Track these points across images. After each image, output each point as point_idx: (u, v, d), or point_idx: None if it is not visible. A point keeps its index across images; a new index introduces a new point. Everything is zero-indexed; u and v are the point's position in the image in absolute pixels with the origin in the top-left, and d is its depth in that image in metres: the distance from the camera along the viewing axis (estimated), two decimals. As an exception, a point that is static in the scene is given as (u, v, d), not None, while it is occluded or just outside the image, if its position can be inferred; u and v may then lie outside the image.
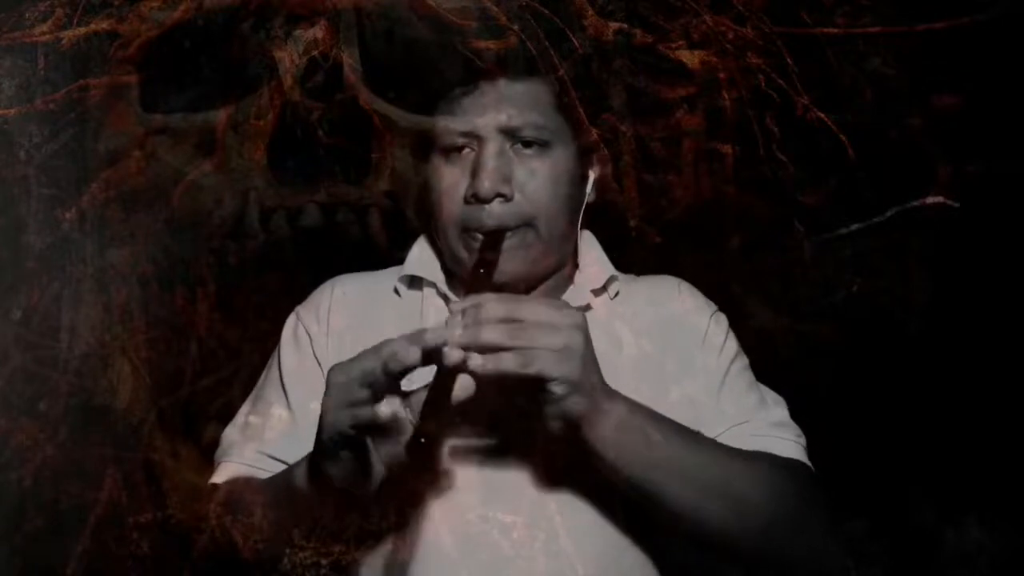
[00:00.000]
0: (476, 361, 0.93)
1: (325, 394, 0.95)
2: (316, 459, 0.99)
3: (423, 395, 0.96)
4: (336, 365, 0.95)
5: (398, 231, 1.27)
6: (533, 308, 0.96)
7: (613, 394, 1.00)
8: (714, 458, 1.04)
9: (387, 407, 0.92)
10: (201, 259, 1.26)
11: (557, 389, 0.95)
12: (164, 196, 1.22)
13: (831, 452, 1.17)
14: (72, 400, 1.17)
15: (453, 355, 0.92)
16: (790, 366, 1.29)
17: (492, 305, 0.95)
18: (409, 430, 0.95)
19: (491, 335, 0.94)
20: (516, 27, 1.15)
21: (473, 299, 0.97)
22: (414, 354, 0.91)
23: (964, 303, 1.29)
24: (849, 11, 1.23)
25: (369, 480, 0.97)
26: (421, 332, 0.93)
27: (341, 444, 0.95)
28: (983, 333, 1.30)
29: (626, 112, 1.22)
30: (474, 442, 1.09)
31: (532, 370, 0.93)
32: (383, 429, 0.94)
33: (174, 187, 1.23)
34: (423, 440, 0.91)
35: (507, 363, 0.93)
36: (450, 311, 0.98)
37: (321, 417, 0.96)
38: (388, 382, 0.92)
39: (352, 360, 0.94)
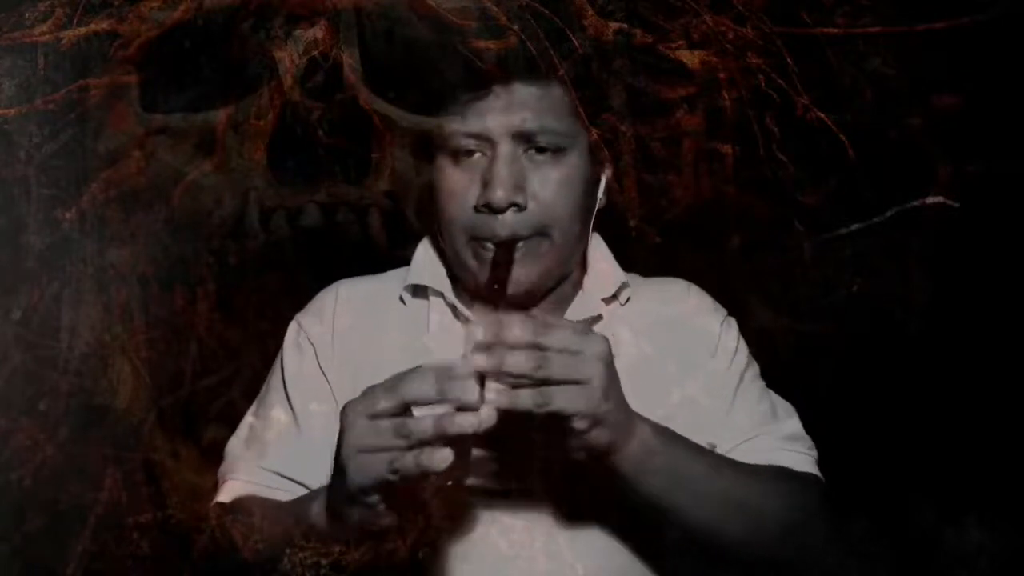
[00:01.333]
0: (490, 396, 0.89)
1: (342, 436, 0.91)
2: (335, 504, 0.95)
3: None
4: (349, 404, 0.91)
5: (398, 231, 1.27)
6: (556, 336, 0.91)
7: (635, 418, 0.98)
8: (732, 476, 1.04)
9: (444, 451, 0.87)
10: (201, 259, 1.26)
11: (579, 424, 0.92)
12: (164, 196, 1.22)
13: (831, 452, 1.17)
14: (72, 400, 1.17)
15: (474, 363, 0.89)
16: (790, 366, 1.28)
17: (516, 330, 0.91)
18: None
19: (514, 363, 0.89)
20: (516, 27, 1.14)
21: (495, 321, 0.93)
22: (430, 392, 0.88)
23: (964, 303, 1.29)
24: (849, 11, 1.23)
25: (395, 520, 0.95)
26: (442, 373, 0.89)
27: (369, 490, 0.90)
28: (983, 333, 1.30)
29: (626, 112, 1.21)
30: (475, 443, 1.09)
31: (550, 408, 0.90)
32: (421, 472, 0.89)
33: (174, 187, 1.22)
34: (450, 482, 0.90)
35: (524, 400, 0.90)
36: (470, 335, 0.94)
37: (342, 462, 0.91)
38: (435, 433, 0.88)
39: (366, 399, 0.90)
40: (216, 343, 1.28)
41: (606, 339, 0.94)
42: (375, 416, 0.89)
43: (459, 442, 0.89)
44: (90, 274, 1.19)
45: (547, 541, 1.07)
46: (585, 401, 0.91)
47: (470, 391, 0.88)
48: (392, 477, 0.88)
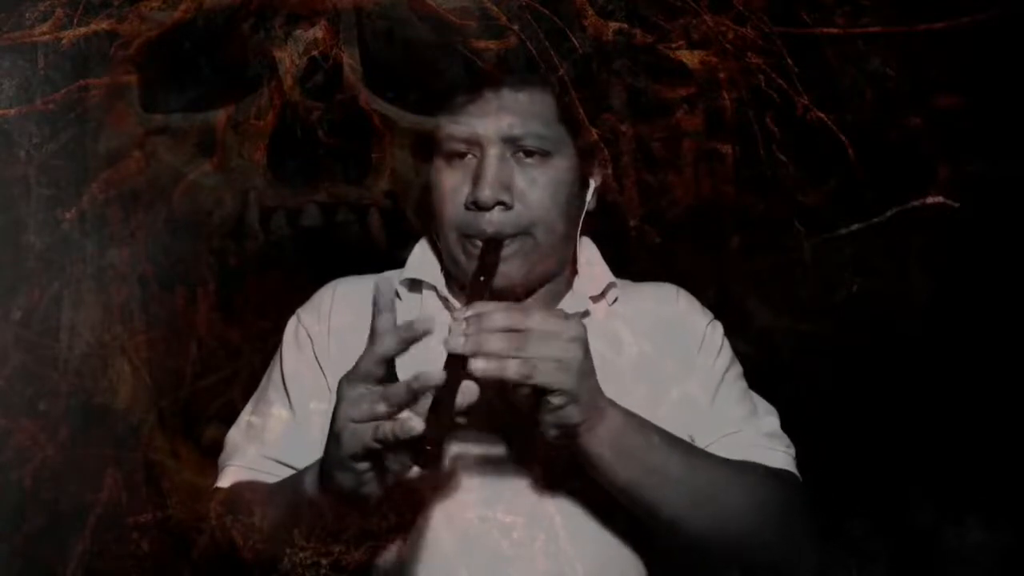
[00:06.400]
0: (479, 364, 0.93)
1: (337, 407, 0.95)
2: (328, 471, 0.98)
3: (427, 403, 0.96)
4: (344, 377, 0.95)
5: (398, 231, 1.27)
6: (535, 318, 0.96)
7: (608, 403, 1.01)
8: (704, 467, 1.05)
9: (414, 420, 0.91)
10: (201, 259, 1.26)
11: (555, 400, 0.96)
12: (164, 196, 1.22)
13: (831, 452, 1.17)
14: (72, 400, 1.17)
15: (454, 344, 0.93)
16: (790, 366, 1.29)
17: (495, 315, 0.96)
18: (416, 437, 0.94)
19: (493, 345, 0.94)
20: (516, 27, 1.15)
21: (477, 307, 0.97)
22: (392, 341, 0.92)
23: (964, 303, 1.29)
24: (849, 11, 1.23)
25: (380, 489, 0.97)
26: (407, 324, 0.94)
27: (359, 457, 0.94)
28: (983, 333, 1.30)
29: (626, 112, 1.22)
30: (474, 443, 1.10)
31: (533, 380, 0.94)
32: (399, 440, 0.93)
33: (174, 187, 1.23)
34: (429, 448, 0.91)
35: (510, 371, 0.94)
36: (453, 319, 0.98)
37: (336, 431, 0.95)
38: (407, 396, 0.92)
39: (354, 369, 0.95)
40: (216, 343, 1.28)
41: (583, 324, 0.98)
42: (360, 380, 0.94)
43: (443, 407, 0.93)
44: (90, 274, 1.19)
45: (547, 541, 1.07)
46: (563, 378, 0.95)
47: (427, 325, 0.93)
48: (375, 445, 0.92)
